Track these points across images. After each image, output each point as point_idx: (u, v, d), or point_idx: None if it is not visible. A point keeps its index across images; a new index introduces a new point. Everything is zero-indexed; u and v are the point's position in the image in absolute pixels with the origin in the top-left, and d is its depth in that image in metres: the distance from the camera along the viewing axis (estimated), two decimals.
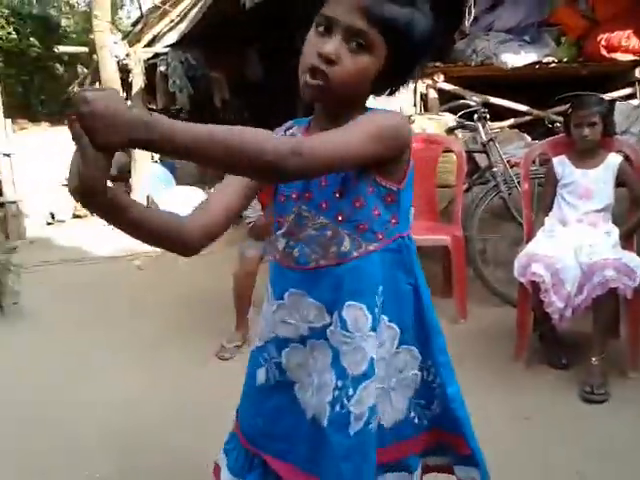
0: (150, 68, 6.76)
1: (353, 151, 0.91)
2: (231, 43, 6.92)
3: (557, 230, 2.62)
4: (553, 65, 4.55)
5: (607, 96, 4.08)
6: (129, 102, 6.58)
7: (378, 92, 1.03)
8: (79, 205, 0.87)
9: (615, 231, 2.56)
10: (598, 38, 4.40)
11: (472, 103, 3.76)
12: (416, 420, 1.09)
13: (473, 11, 4.46)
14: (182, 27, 6.57)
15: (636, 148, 2.81)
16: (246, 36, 6.94)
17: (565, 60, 4.56)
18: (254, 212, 2.93)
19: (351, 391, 0.99)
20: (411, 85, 4.03)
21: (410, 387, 1.08)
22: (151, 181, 6.39)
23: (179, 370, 2.76)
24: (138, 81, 6.58)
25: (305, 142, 0.90)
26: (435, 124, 4.16)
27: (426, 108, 4.81)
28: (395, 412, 1.07)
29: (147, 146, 0.78)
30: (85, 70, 9.71)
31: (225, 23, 6.21)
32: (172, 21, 6.58)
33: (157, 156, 6.58)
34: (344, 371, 1.00)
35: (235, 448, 1.16)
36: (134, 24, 7.39)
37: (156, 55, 6.75)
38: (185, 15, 6.53)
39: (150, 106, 7.10)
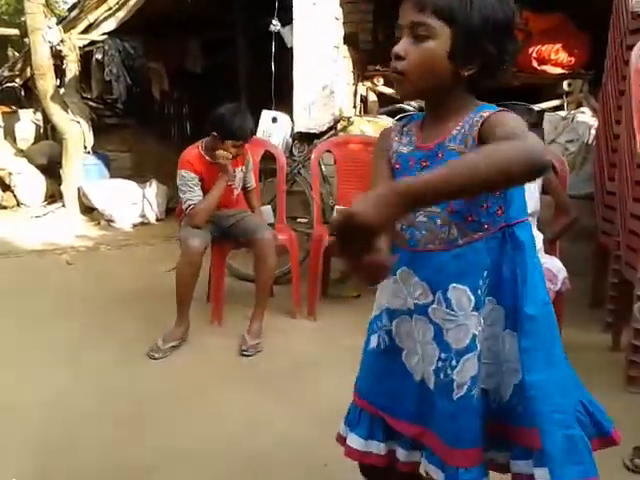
0: (85, 55, 6.53)
1: None
2: (171, 34, 6.77)
3: None
4: None
5: (536, 107, 4.27)
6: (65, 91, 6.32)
7: (460, 72, 1.09)
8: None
9: (540, 237, 2.67)
10: (530, 50, 4.58)
11: (409, 107, 3.84)
12: (519, 409, 1.12)
13: None
14: (121, 15, 6.36)
15: (562, 158, 2.94)
16: (188, 28, 6.81)
17: None
18: (195, 196, 2.82)
19: (454, 362, 1.11)
20: (351, 88, 4.07)
21: (514, 374, 1.12)
22: (83, 172, 6.16)
23: (107, 369, 2.68)
24: (72, 68, 6.33)
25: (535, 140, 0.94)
26: (374, 126, 4.22)
27: (366, 110, 4.87)
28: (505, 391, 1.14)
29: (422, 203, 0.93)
30: (16, 54, 9.25)
31: (166, 13, 6.08)
32: (110, 8, 6.34)
33: (90, 147, 6.34)
34: (448, 345, 1.12)
35: (359, 417, 1.26)
36: (70, 9, 7.06)
37: (92, 42, 6.52)
38: (124, 3, 6.33)
39: (85, 94, 6.85)
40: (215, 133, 2.82)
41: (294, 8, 4.42)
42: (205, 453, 2.03)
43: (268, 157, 3.63)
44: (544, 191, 2.72)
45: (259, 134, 4.26)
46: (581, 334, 2.90)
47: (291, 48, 4.55)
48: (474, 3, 1.03)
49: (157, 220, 6.03)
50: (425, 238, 1.13)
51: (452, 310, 1.11)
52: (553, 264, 2.47)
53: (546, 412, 1.05)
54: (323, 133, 4.37)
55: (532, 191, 2.69)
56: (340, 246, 0.89)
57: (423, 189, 0.86)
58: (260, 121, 4.38)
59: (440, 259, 1.12)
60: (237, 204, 3.14)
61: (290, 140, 4.38)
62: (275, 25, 4.64)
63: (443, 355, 1.12)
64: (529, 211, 2.64)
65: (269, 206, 3.58)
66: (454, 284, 1.10)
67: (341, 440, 1.31)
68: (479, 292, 1.10)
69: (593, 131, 3.93)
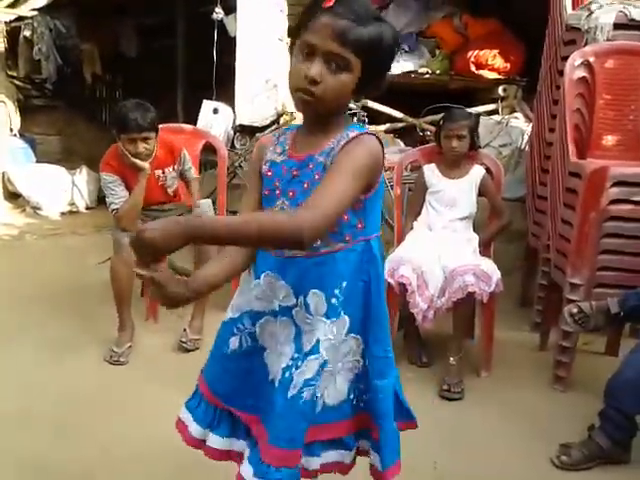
0: (12, 31, 6.17)
1: (348, 197, 1.09)
2: (106, 15, 6.51)
3: (424, 235, 2.76)
4: (427, 76, 4.80)
5: (472, 110, 4.39)
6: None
7: (357, 96, 1.18)
8: None
9: (475, 238, 2.75)
10: (468, 54, 4.72)
11: (352, 106, 3.86)
12: (354, 402, 1.28)
13: None
14: None
15: (496, 161, 3.03)
16: (124, 10, 6.58)
17: (438, 72, 4.83)
18: (118, 198, 2.74)
19: (300, 363, 1.20)
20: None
21: (352, 371, 1.26)
22: (8, 156, 5.84)
23: (36, 370, 2.56)
24: None
25: (313, 213, 1.04)
26: None
27: None
28: (338, 393, 1.25)
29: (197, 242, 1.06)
30: None
31: None
32: None
33: (16, 129, 6.01)
34: (301, 346, 1.21)
35: (200, 405, 1.33)
36: None
37: (20, 18, 6.17)
38: None
39: (11, 73, 6.49)
40: (114, 131, 2.75)
41: None
42: (140, 456, 1.97)
43: (209, 148, 3.55)
44: (480, 194, 2.80)
45: (199, 125, 4.17)
46: (511, 333, 3.02)
47: (234, 38, 4.48)
48: (384, 40, 1.11)
49: (87, 209, 5.81)
50: None
51: (310, 314, 1.20)
52: (487, 266, 2.54)
53: (387, 412, 1.28)
54: (266, 127, 4.33)
55: (469, 194, 2.78)
56: (136, 256, 1.01)
57: (209, 232, 1.01)
58: (201, 111, 4.29)
59: (303, 265, 1.19)
60: (176, 198, 3.05)
61: (232, 132, 4.31)
62: (218, 13, 4.54)
63: (295, 355, 1.20)
64: (466, 213, 2.77)
65: (208, 200, 3.50)
66: (313, 290, 1.19)
67: (181, 426, 1.34)
68: (333, 301, 1.19)
69: (526, 136, 4.08)
